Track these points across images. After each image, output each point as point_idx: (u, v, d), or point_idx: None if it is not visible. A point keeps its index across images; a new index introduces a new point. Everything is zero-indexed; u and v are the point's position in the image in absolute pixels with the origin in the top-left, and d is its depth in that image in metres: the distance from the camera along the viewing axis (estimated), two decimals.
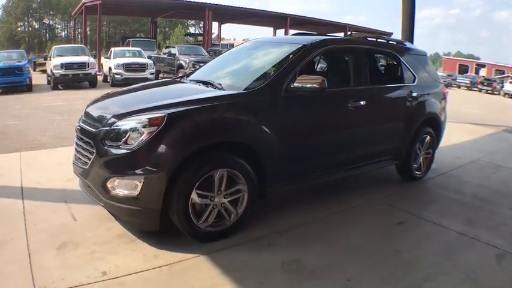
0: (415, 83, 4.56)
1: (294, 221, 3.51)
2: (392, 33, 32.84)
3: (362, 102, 3.87)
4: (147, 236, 3.02)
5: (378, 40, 4.50)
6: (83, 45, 19.41)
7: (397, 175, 4.77)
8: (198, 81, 3.76)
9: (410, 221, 3.66)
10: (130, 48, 20.52)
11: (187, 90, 3.58)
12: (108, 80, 16.89)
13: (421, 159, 4.74)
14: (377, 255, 3.00)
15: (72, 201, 3.62)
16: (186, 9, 29.29)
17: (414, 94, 4.46)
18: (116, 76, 16.01)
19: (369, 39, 4.47)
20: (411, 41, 8.78)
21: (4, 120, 8.72)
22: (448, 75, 30.95)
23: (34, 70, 21.56)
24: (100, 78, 17.65)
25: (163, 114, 2.77)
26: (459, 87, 29.43)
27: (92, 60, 15.92)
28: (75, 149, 3.24)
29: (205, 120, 2.96)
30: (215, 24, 38.09)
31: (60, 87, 15.04)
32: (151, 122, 2.74)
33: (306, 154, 3.56)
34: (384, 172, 4.78)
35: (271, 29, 37.41)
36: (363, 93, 3.94)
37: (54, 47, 17.60)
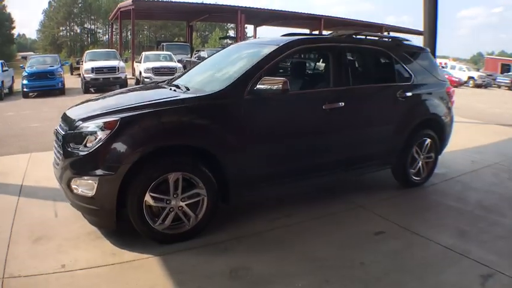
0: (410, 82, 4.17)
1: (260, 227, 3.34)
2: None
3: (340, 104, 3.57)
4: (113, 235, 3.10)
5: (367, 37, 4.18)
6: (114, 50, 20.10)
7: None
8: (174, 85, 3.71)
9: (391, 231, 3.32)
10: (160, 52, 21.06)
11: (156, 94, 3.57)
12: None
13: (420, 164, 4.32)
14: (338, 267, 2.74)
15: (60, 200, 3.69)
16: (219, 13, 29.65)
17: (408, 94, 4.07)
18: (145, 80, 16.36)
19: (356, 37, 4.14)
20: (434, 41, 8.20)
21: (28, 122, 9.17)
22: (488, 75, 28.86)
23: (71, 74, 22.68)
24: (132, 81, 18.19)
25: (117, 118, 2.83)
26: (499, 87, 27.47)
27: (122, 64, 16.42)
28: (53, 151, 3.34)
29: (156, 124, 2.93)
30: (251, 27, 38.22)
31: (92, 91, 15.60)
32: (106, 126, 2.81)
33: (274, 159, 3.36)
34: (383, 176, 4.41)
35: (307, 31, 37.00)
36: (342, 93, 3.64)
37: (87, 51, 18.37)
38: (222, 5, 27.14)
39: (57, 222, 3.37)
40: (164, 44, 26.11)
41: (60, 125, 3.28)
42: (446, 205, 3.92)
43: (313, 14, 29.77)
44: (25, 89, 14.40)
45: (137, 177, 2.80)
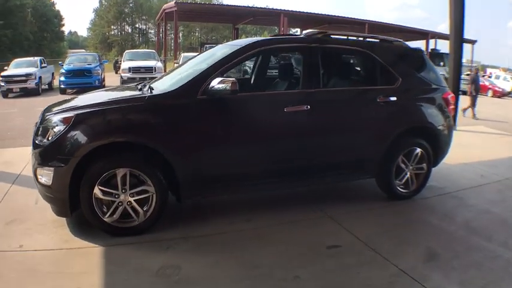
0: (394, 86, 3.82)
1: (214, 229, 3.27)
2: (476, 41, 29.50)
3: (306, 107, 3.38)
4: (75, 224, 3.28)
5: (349, 38, 3.93)
6: (153, 51, 20.80)
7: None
8: (142, 86, 3.72)
9: (349, 246, 3.06)
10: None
11: (119, 94, 3.68)
12: None
13: (408, 175, 3.96)
14: (270, 279, 2.58)
15: None
16: (263, 16, 29.69)
17: (392, 98, 3.75)
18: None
19: (333, 37, 3.88)
20: (460, 50, 7.60)
21: None
22: None
23: (116, 72, 23.74)
24: None
25: (73, 114, 3.00)
26: None
27: (159, 64, 16.93)
28: None
29: (101, 121, 3.02)
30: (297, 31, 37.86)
31: None
32: (63, 121, 3.00)
33: (229, 161, 3.28)
34: (373, 186, 4.06)
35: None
36: (308, 96, 3.44)
37: (126, 51, 19.14)
38: (265, 8, 27.11)
39: (35, 209, 3.60)
40: (207, 45, 26.64)
41: (39, 119, 3.46)
42: (428, 222, 3.56)
43: (357, 19, 28.80)
44: (62, 86, 15.28)
45: (87, 171, 2.93)
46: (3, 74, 15.15)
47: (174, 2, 23.81)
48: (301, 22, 31.74)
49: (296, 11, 27.49)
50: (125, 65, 16.28)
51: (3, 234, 3.14)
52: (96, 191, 2.95)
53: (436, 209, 3.88)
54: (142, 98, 3.21)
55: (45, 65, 17.52)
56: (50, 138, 2.99)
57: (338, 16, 28.65)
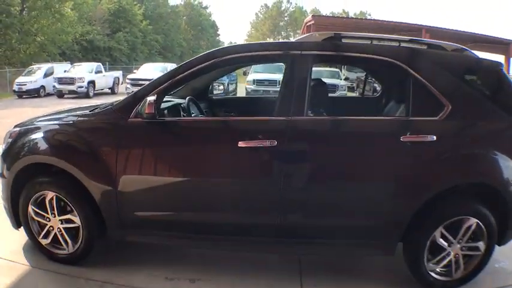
0: (438, 116, 2.52)
1: (142, 281, 2.72)
2: None
3: (269, 142, 2.47)
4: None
5: (373, 42, 2.75)
6: (282, 64, 20.80)
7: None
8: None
9: None
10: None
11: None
12: None
13: (451, 256, 2.60)
14: None
15: None
16: (403, 31, 27.33)
17: (430, 137, 2.49)
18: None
19: (344, 41, 2.73)
20: None
21: None
22: None
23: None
24: None
25: (17, 130, 2.98)
26: None
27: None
28: None
29: (34, 139, 2.84)
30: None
31: None
32: (11, 135, 3.00)
33: (157, 202, 2.68)
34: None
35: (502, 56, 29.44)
36: (276, 126, 2.55)
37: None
38: (406, 23, 24.86)
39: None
40: None
41: None
42: None
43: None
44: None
45: (23, 188, 2.80)
46: (129, 76, 17.09)
47: (311, 15, 23.87)
48: (446, 39, 27.79)
49: (437, 27, 24.36)
50: (250, 77, 16.60)
51: None
52: (30, 210, 2.80)
53: None
54: (74, 118, 2.89)
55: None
56: (3, 148, 3.02)
57: (480, 34, 24.10)
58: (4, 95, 18.81)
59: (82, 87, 17.52)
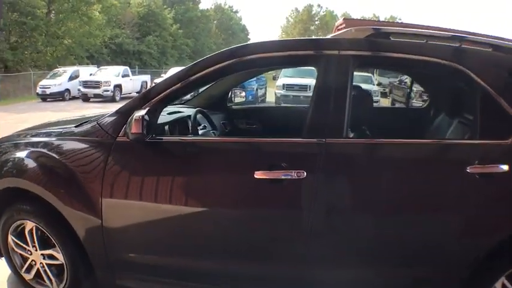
0: (510, 139, 1.82)
1: None
2: None
3: (293, 174, 1.82)
4: None
5: (428, 41, 1.99)
6: (313, 68, 20.09)
7: None
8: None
9: None
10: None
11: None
12: None
13: None
14: None
15: None
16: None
17: (501, 167, 1.78)
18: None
19: (393, 39, 2.00)
20: None
21: None
22: None
23: None
24: None
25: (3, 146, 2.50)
26: None
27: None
28: None
29: (7, 159, 2.32)
30: None
31: None
32: None
33: (147, 243, 2.10)
34: None
35: None
36: (304, 152, 1.91)
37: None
38: (443, 27, 23.45)
39: None
40: None
41: None
42: None
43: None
44: None
45: (2, 214, 2.34)
46: (155, 80, 16.55)
47: (342, 19, 23.04)
48: None
49: (482, 34, 22.73)
50: (280, 81, 15.85)
51: None
52: (10, 240, 2.38)
53: None
54: (54, 135, 2.34)
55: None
56: None
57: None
58: (29, 98, 18.92)
59: (108, 91, 17.30)
